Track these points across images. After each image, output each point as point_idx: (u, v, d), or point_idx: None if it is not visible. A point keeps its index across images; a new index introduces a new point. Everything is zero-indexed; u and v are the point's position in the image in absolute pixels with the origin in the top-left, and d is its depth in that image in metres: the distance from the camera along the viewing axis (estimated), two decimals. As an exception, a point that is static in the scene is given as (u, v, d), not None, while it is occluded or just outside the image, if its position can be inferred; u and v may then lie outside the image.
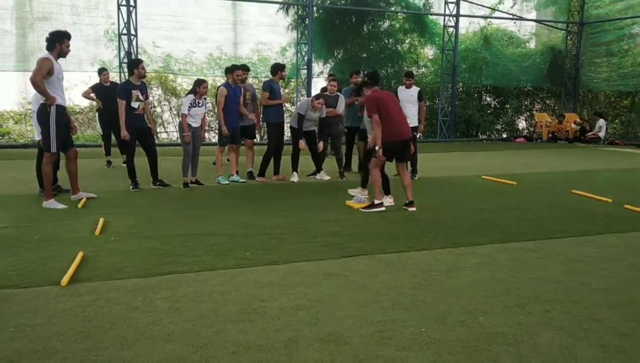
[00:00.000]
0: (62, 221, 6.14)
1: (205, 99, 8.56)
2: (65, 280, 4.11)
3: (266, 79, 10.46)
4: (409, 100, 9.67)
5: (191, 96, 8.32)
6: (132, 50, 15.04)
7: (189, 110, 8.28)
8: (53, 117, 6.70)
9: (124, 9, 14.95)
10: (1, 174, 9.59)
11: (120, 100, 7.85)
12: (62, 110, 6.81)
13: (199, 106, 8.38)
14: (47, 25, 19.46)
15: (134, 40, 15.15)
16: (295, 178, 9.31)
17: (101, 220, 5.95)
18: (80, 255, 4.69)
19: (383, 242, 5.51)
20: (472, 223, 6.44)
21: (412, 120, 9.72)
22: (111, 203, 7.17)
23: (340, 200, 7.54)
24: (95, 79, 11.21)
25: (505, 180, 9.61)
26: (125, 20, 14.98)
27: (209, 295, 3.94)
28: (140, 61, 8.25)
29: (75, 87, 17.30)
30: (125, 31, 15.02)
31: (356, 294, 4.02)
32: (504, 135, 21.25)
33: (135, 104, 7.92)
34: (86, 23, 18.43)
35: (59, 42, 6.69)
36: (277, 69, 9.46)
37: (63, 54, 6.78)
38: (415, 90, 9.77)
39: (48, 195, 6.95)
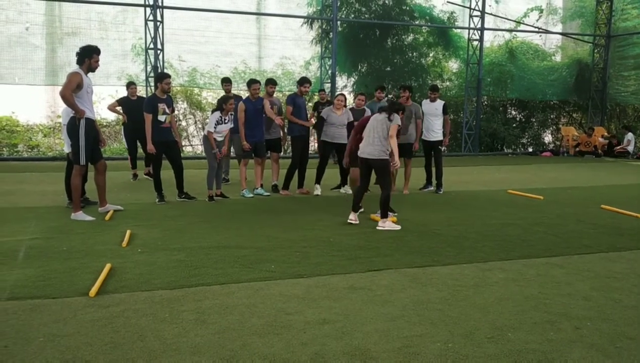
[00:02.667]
0: (90, 233, 6.22)
1: (231, 115, 8.62)
2: (93, 291, 4.16)
3: (290, 93, 10.56)
4: (433, 113, 9.72)
5: (217, 113, 8.39)
6: (158, 65, 15.27)
7: (215, 127, 8.36)
8: (83, 130, 6.83)
9: (150, 24, 15.21)
10: (31, 186, 9.77)
11: (147, 113, 7.97)
12: (91, 123, 6.93)
13: (225, 123, 8.46)
14: (76, 40, 19.89)
15: (160, 55, 15.39)
16: (318, 191, 9.31)
17: (128, 232, 6.02)
18: (107, 266, 4.75)
19: (409, 256, 5.47)
20: (499, 238, 6.36)
21: (437, 134, 9.73)
22: (138, 216, 7.25)
23: (364, 213, 7.51)
24: (122, 93, 11.43)
25: (532, 195, 9.49)
26: (152, 35, 15.24)
27: (234, 308, 3.94)
28: (166, 76, 8.29)
29: (102, 101, 17.60)
30: (152, 46, 15.27)
31: (382, 308, 3.99)
32: (530, 149, 21.03)
33: (162, 117, 8.03)
34: (114, 38, 18.80)
35: (88, 57, 6.84)
36: (299, 82, 9.55)
37: (92, 68, 6.93)
38: (439, 103, 9.80)
39: (76, 207, 7.06)
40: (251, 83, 9.20)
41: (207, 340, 3.40)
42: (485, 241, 6.18)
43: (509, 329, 3.64)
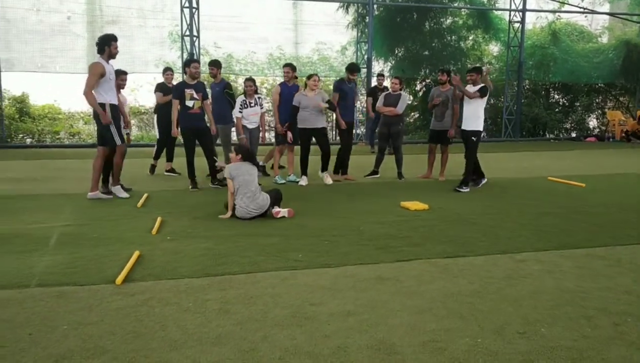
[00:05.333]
0: (122, 220, 6.27)
1: (259, 98, 8.55)
2: (120, 279, 4.16)
3: (335, 79, 10.33)
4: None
5: (241, 97, 8.36)
6: (194, 51, 15.34)
7: (241, 112, 8.31)
8: (109, 114, 7.13)
9: (186, 11, 15.25)
10: (71, 173, 9.95)
11: (174, 99, 7.99)
12: (115, 108, 7.25)
13: (251, 106, 8.39)
14: (116, 29, 20.15)
15: (196, 42, 15.44)
16: (304, 181, 8.89)
17: (158, 220, 6.04)
18: (136, 254, 4.76)
19: (440, 246, 5.32)
20: (536, 227, 6.14)
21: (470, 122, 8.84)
22: (170, 203, 7.28)
23: (397, 201, 7.36)
24: (160, 80, 11.44)
25: (574, 182, 9.15)
26: (188, 22, 15.29)
27: (259, 298, 3.89)
28: (193, 61, 8.28)
29: (140, 88, 17.87)
30: (187, 33, 15.32)
31: (409, 301, 3.87)
32: (573, 135, 20.38)
33: (189, 103, 8.01)
34: (152, 25, 18.99)
35: (107, 45, 7.13)
36: (349, 69, 9.35)
37: (112, 55, 7.20)
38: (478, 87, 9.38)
39: (94, 187, 7.39)
40: (283, 66, 9.21)
41: (228, 330, 3.35)
42: (522, 230, 5.97)
43: (542, 324, 3.47)
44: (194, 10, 15.37)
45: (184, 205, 7.16)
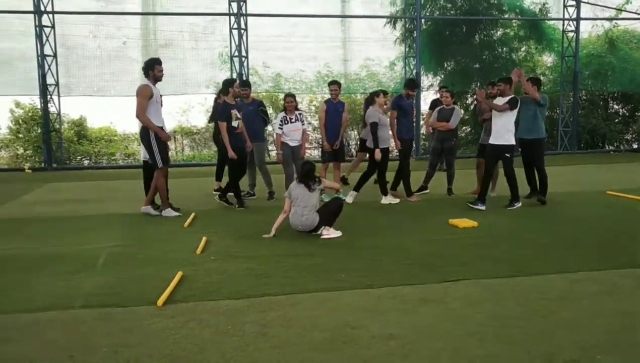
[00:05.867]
0: (168, 240, 6.33)
1: (301, 115, 8.52)
2: (161, 300, 4.17)
3: (396, 95, 9.97)
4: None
5: (282, 114, 8.35)
6: (243, 72, 15.56)
7: (281, 128, 8.29)
8: (153, 136, 7.34)
9: (235, 32, 15.52)
10: (123, 193, 10.18)
11: (222, 122, 8.04)
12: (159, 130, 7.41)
13: (292, 122, 8.35)
14: (169, 52, 20.68)
15: (245, 62, 15.67)
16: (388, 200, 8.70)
17: (203, 240, 6.06)
18: (179, 275, 4.77)
19: (489, 265, 5.11)
20: (593, 244, 5.83)
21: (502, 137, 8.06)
22: (216, 222, 7.32)
23: (445, 218, 7.16)
24: (210, 100, 11.52)
25: (635, 196, 8.69)
26: (237, 43, 15.55)
27: (298, 320, 3.81)
28: (234, 80, 8.43)
29: (192, 109, 18.26)
30: (236, 53, 15.58)
31: (455, 324, 3.71)
32: (635, 146, 19.48)
33: (235, 123, 8.10)
34: (204, 47, 19.37)
35: (151, 68, 7.38)
36: (408, 86, 9.06)
37: (157, 78, 7.43)
38: (507, 98, 8.69)
39: (164, 204, 7.69)
40: (330, 84, 9.19)
41: (266, 354, 3.28)
42: (577, 248, 5.68)
43: (598, 351, 3.25)
44: (242, 31, 15.63)
45: (229, 224, 7.18)
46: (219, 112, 8.23)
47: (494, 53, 18.22)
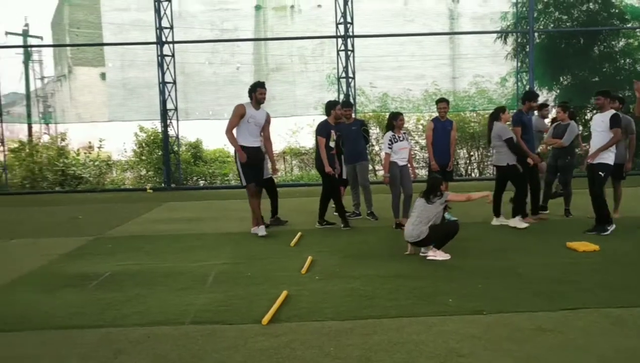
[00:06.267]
0: (275, 259, 6.43)
1: (405, 133, 8.37)
2: (266, 319, 4.21)
3: (516, 111, 9.43)
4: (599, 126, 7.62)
5: (390, 133, 8.20)
6: (350, 92, 15.68)
7: (390, 147, 8.13)
8: (237, 157, 7.70)
9: (342, 54, 15.71)
10: (234, 213, 10.52)
11: (321, 137, 8.19)
12: (247, 150, 7.59)
13: (400, 140, 8.21)
14: (279, 75, 21.38)
15: (352, 83, 15.80)
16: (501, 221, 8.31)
17: (309, 259, 6.09)
18: (284, 294, 4.81)
19: (612, 293, 4.69)
20: None
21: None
22: (321, 242, 7.35)
23: (563, 241, 6.69)
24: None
25: None
26: (344, 64, 15.73)
27: (402, 345, 3.68)
28: (337, 103, 8.60)
29: (301, 130, 18.67)
30: (343, 75, 15.75)
31: (574, 356, 3.41)
32: None
33: (331, 144, 8.24)
34: (312, 70, 19.81)
35: (253, 91, 7.66)
36: (528, 98, 8.51)
37: (259, 100, 7.67)
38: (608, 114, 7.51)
39: (254, 221, 7.91)
40: (438, 102, 9.00)
41: (368, 380, 3.19)
42: None
43: None
44: (349, 53, 15.80)
45: (335, 244, 7.17)
46: (319, 128, 8.34)
47: (616, 65, 17.04)
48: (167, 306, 4.70)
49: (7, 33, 22.70)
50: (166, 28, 15.21)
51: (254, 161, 7.72)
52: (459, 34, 17.14)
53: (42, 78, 39.83)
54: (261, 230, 7.81)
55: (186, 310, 4.58)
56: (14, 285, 5.60)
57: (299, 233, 7.70)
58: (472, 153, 17.88)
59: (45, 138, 18.87)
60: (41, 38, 28.07)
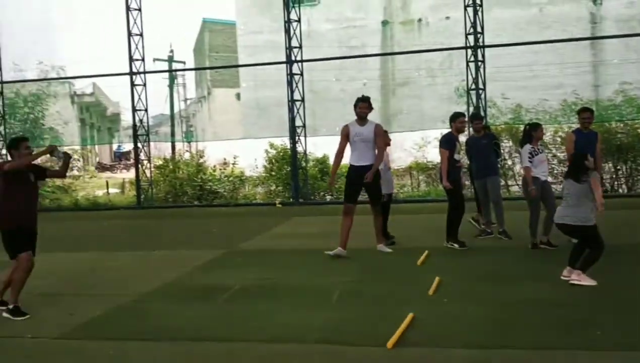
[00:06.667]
0: (400, 278, 6.22)
1: (541, 146, 7.76)
2: (391, 342, 4.02)
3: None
4: None
5: (528, 145, 7.63)
6: (480, 104, 15.06)
7: (531, 161, 7.56)
8: (349, 174, 7.64)
9: (472, 65, 15.15)
10: (360, 228, 10.40)
11: (444, 149, 7.81)
12: (352, 169, 7.57)
13: (540, 153, 7.62)
14: (406, 90, 21.20)
15: (482, 94, 15.17)
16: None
17: (436, 280, 5.80)
18: (410, 316, 4.58)
19: None
20: None
21: None
22: (450, 261, 7.00)
23: None
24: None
25: None
26: (474, 75, 15.15)
27: (543, 382, 3.32)
28: (460, 115, 8.15)
29: (428, 144, 18.26)
30: (473, 86, 15.17)
31: None
32: None
33: (457, 156, 7.84)
34: (440, 83, 19.41)
35: (356, 106, 7.52)
36: None
37: (359, 115, 7.47)
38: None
39: (379, 239, 7.78)
40: (580, 112, 8.29)
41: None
42: None
43: None
44: (479, 63, 15.20)
45: (464, 264, 6.80)
46: (443, 140, 7.98)
47: None
48: (291, 323, 4.68)
49: (154, 60, 24.66)
50: (295, 47, 15.61)
51: (356, 181, 7.53)
52: (603, 39, 15.87)
53: (185, 100, 43.06)
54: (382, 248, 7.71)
55: (310, 328, 4.52)
56: (154, 295, 5.90)
57: (426, 252, 7.39)
58: (619, 167, 16.36)
59: (187, 155, 20.11)
60: (184, 63, 30.35)
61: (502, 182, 15.57)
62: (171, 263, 7.56)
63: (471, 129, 9.57)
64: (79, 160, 20.10)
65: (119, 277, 6.92)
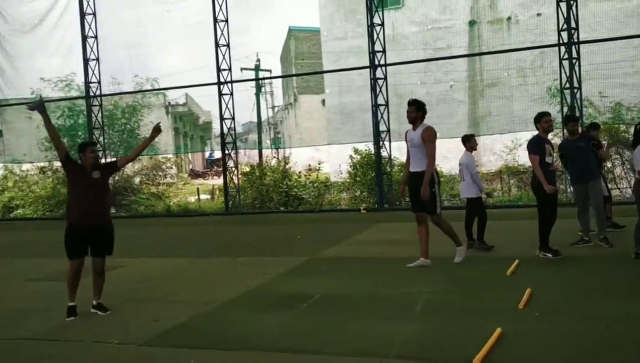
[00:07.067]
0: (488, 288, 5.92)
1: None
2: (477, 360, 3.80)
3: None
4: None
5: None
6: (575, 104, 14.24)
7: None
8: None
9: (565, 63, 14.36)
10: (440, 235, 10.10)
11: (533, 155, 7.34)
12: (409, 175, 7.30)
13: None
14: (495, 91, 20.48)
15: (577, 93, 14.33)
16: None
17: (527, 292, 5.46)
18: (497, 331, 4.32)
19: None
20: None
21: None
22: (542, 271, 6.60)
23: None
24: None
25: None
26: (568, 74, 14.35)
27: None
28: (544, 115, 7.52)
29: (519, 147, 17.50)
30: (567, 85, 14.37)
31: None
32: None
33: (548, 159, 7.33)
34: (531, 83, 18.57)
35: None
36: None
37: (408, 119, 7.32)
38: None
39: (457, 242, 7.41)
40: None
41: None
42: None
43: None
44: (574, 61, 14.37)
45: (558, 275, 6.37)
46: (530, 146, 7.49)
47: None
48: (371, 335, 4.55)
49: (242, 69, 25.31)
50: (379, 52, 15.47)
51: (411, 187, 7.26)
52: None
53: (273, 107, 44.00)
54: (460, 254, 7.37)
55: (390, 341, 4.37)
56: (236, 303, 5.97)
57: (517, 261, 7.01)
58: None
59: (274, 162, 20.43)
60: (270, 71, 30.97)
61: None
62: (254, 270, 7.65)
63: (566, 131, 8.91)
64: (171, 168, 20.93)
65: (204, 283, 7.07)
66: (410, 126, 7.45)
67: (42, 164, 19.48)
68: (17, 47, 18.19)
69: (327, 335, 4.62)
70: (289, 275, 7.26)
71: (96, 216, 5.66)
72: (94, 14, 17.22)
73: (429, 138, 7.03)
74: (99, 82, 17.42)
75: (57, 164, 18.79)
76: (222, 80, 16.25)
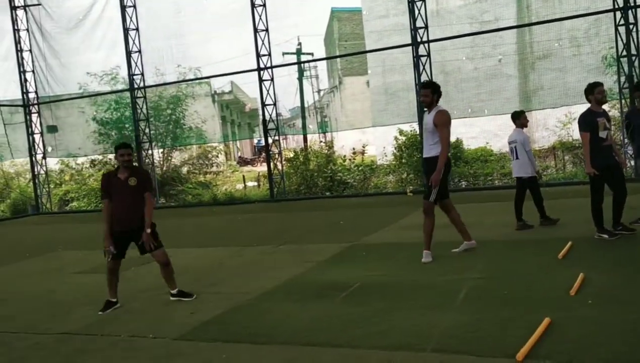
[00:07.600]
0: (536, 274, 5.56)
1: None
2: (521, 354, 3.51)
3: None
4: None
5: None
6: (634, 73, 13.41)
7: None
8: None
9: (621, 29, 13.52)
10: (491, 217, 9.72)
11: (584, 132, 6.76)
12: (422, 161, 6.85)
13: None
14: (546, 63, 19.59)
15: (636, 61, 13.48)
16: None
17: (580, 277, 5.08)
18: (545, 321, 4.00)
19: None
20: None
21: None
22: (597, 254, 6.18)
23: None
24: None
25: None
26: (624, 41, 13.51)
27: None
28: (597, 85, 6.84)
29: (574, 121, 16.72)
30: (624, 53, 13.53)
31: None
32: None
33: (602, 134, 6.69)
34: (586, 52, 17.62)
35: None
36: None
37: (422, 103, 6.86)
38: None
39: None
40: None
41: None
42: None
43: None
44: (631, 26, 13.49)
45: (614, 258, 5.94)
46: (581, 121, 6.90)
47: None
48: (409, 326, 4.32)
49: (283, 53, 25.09)
50: (421, 28, 14.98)
51: (426, 173, 6.79)
52: None
53: (318, 91, 43.72)
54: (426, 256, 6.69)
55: (430, 333, 4.13)
56: (273, 293, 5.83)
57: (569, 243, 6.58)
58: None
59: (317, 146, 20.23)
60: (312, 54, 30.60)
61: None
62: (295, 258, 7.51)
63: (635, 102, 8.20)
64: (217, 156, 21.05)
65: (243, 273, 6.98)
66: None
67: (93, 157, 19.94)
68: (63, 44, 18.55)
69: (361, 328, 4.41)
70: (329, 263, 7.08)
71: (132, 221, 5.69)
72: (134, 6, 17.35)
73: (442, 122, 6.44)
74: (142, 74, 17.58)
75: (109, 156, 19.23)
76: (262, 65, 16.12)
